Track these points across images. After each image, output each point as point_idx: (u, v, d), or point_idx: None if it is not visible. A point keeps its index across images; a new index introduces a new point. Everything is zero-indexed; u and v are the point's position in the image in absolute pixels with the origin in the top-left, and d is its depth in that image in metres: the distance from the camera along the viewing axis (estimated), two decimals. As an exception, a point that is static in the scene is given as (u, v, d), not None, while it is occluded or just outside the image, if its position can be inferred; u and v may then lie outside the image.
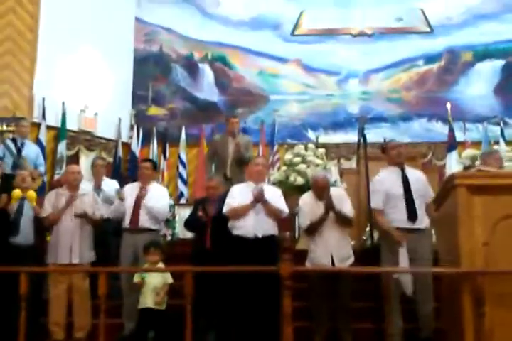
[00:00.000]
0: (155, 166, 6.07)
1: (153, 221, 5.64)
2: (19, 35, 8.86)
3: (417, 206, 4.96)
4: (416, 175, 5.14)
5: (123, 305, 5.44)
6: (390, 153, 5.18)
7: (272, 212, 5.23)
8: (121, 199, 5.65)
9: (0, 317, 5.21)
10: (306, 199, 5.30)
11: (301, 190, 6.46)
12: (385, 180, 5.08)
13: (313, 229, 5.11)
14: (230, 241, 5.29)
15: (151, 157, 9.84)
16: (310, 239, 5.19)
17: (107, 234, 5.99)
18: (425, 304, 4.85)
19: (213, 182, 5.79)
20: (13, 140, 7.32)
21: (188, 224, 5.79)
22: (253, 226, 5.15)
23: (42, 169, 7.37)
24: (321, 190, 5.20)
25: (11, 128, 7.91)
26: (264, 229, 5.16)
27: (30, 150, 7.34)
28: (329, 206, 5.05)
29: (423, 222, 4.96)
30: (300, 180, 7.23)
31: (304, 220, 5.20)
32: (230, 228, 5.26)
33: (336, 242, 5.06)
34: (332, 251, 5.02)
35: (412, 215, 4.93)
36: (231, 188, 5.50)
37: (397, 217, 4.96)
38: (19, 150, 7.18)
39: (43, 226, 5.58)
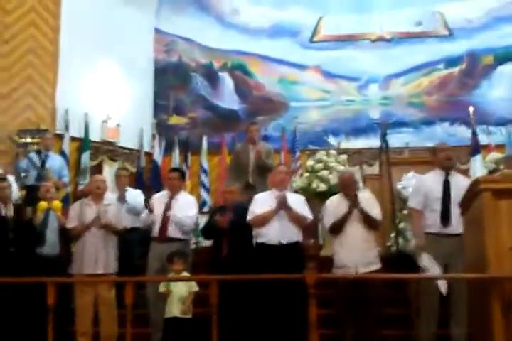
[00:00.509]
0: (183, 175, 6.09)
1: (181, 231, 5.66)
2: (41, 48, 8.97)
3: (453, 211, 4.90)
4: (461, 181, 5.04)
5: (150, 315, 5.45)
6: (439, 156, 5.14)
7: (296, 219, 5.23)
8: (151, 210, 5.66)
9: (29, 328, 5.27)
10: (333, 199, 5.31)
11: (324, 196, 6.45)
12: (427, 181, 5.10)
13: (336, 228, 5.07)
14: (249, 248, 5.31)
15: (173, 166, 9.87)
16: (335, 241, 5.15)
17: (132, 243, 6.02)
18: (459, 311, 4.79)
19: (231, 187, 5.79)
20: (38, 152, 7.41)
21: (205, 231, 5.80)
22: (277, 233, 5.15)
23: (66, 180, 7.45)
24: (346, 184, 5.22)
25: (35, 141, 8.04)
26: (289, 236, 5.16)
27: (54, 162, 7.41)
28: (354, 203, 5.04)
29: (459, 227, 4.84)
30: (322, 187, 7.23)
31: (328, 219, 5.18)
32: (254, 236, 5.27)
33: (360, 244, 5.02)
34: (356, 253, 4.99)
35: (446, 220, 4.92)
36: (255, 196, 5.51)
37: (432, 221, 4.98)
38: (43, 162, 7.26)
39: (69, 237, 5.62)
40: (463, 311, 4.74)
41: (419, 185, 5.06)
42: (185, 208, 5.69)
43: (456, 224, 4.86)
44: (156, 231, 5.61)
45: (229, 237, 5.38)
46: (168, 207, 5.66)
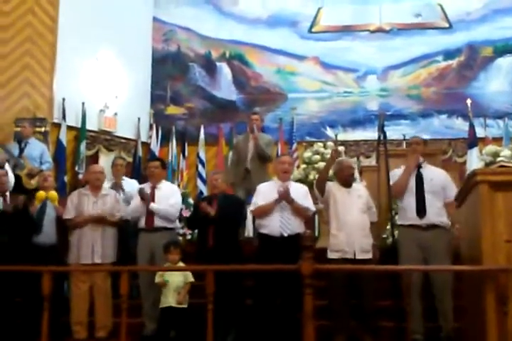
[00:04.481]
0: (163, 165, 6.07)
1: (166, 221, 5.65)
2: (38, 36, 8.91)
3: (428, 203, 5.04)
4: (434, 173, 5.21)
5: (143, 305, 5.45)
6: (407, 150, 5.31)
7: (298, 211, 5.22)
8: (144, 199, 5.65)
9: (23, 316, 5.28)
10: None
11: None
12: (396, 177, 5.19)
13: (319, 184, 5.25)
14: (235, 239, 5.36)
15: (170, 156, 9.88)
16: (332, 225, 5.18)
17: (128, 233, 6.01)
18: (444, 302, 4.85)
19: (217, 175, 5.75)
20: (19, 141, 7.39)
21: (190, 221, 5.78)
22: (279, 225, 5.16)
23: (47, 166, 7.30)
24: (346, 171, 5.30)
25: (36, 129, 8.02)
26: (291, 228, 5.16)
27: (34, 149, 7.34)
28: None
29: (435, 218, 5.01)
30: (320, 178, 7.20)
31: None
32: (256, 227, 5.30)
33: (358, 231, 5.07)
34: (354, 239, 5.04)
35: (421, 211, 5.03)
36: (257, 187, 5.51)
37: (408, 214, 5.07)
38: (21, 151, 7.21)
39: (66, 226, 5.62)
40: (448, 303, 4.82)
41: (394, 177, 5.16)
42: (169, 197, 5.69)
43: (433, 216, 4.96)
44: (142, 221, 5.60)
45: (215, 228, 5.33)
46: (151, 198, 5.65)
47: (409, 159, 5.26)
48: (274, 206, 5.19)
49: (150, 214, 5.58)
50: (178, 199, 5.89)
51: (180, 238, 6.96)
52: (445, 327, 4.84)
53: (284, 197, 5.15)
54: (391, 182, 5.08)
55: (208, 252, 5.24)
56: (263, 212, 5.23)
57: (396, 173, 5.21)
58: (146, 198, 5.61)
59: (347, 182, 5.30)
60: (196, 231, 6.09)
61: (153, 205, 5.58)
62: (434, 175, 5.20)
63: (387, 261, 4.89)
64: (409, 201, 5.09)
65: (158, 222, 5.59)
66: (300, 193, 5.29)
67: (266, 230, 5.21)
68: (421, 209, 5.02)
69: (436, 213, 5.03)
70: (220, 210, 5.37)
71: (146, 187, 5.78)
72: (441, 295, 4.88)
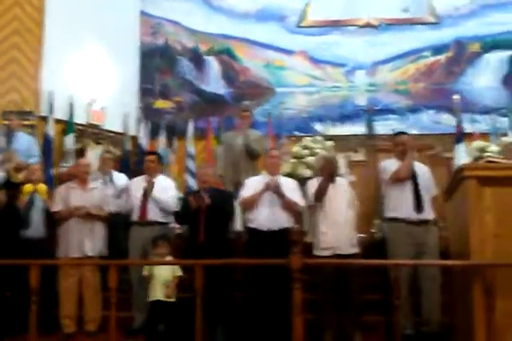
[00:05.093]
0: (160, 158, 6.06)
1: (162, 213, 5.64)
2: (25, 29, 8.84)
3: (423, 198, 5.03)
4: (422, 169, 5.20)
5: (133, 299, 5.45)
6: (396, 148, 5.28)
7: (288, 205, 5.22)
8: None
9: (11, 310, 5.26)
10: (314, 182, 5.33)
11: (310, 182, 6.44)
12: (392, 167, 5.15)
13: (319, 195, 5.08)
14: (224, 234, 5.34)
15: (159, 150, 9.83)
16: (320, 222, 5.13)
17: (117, 227, 6.00)
18: (431, 298, 4.87)
19: (206, 169, 5.74)
20: (7, 134, 7.33)
21: (179, 216, 5.76)
22: (267, 219, 5.15)
23: (34, 160, 7.12)
24: (330, 167, 5.23)
25: (24, 122, 7.97)
26: (279, 223, 5.16)
27: (21, 142, 7.23)
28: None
29: (429, 213, 5.03)
30: (308, 173, 7.22)
31: (309, 192, 5.20)
32: (245, 221, 5.30)
33: (346, 226, 5.07)
34: (343, 234, 5.03)
35: (419, 206, 5.01)
36: (245, 181, 5.51)
37: (404, 208, 5.03)
38: (9, 144, 7.16)
39: (54, 220, 5.59)
40: (436, 298, 4.83)
41: (384, 171, 5.14)
42: (164, 191, 5.68)
43: (427, 211, 4.98)
44: (135, 215, 5.59)
45: (205, 222, 5.31)
46: (146, 190, 5.63)
47: (407, 144, 5.21)
48: (260, 196, 5.18)
49: (143, 208, 5.57)
50: (174, 192, 5.91)
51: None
52: (430, 323, 4.87)
53: (276, 191, 5.15)
54: (383, 173, 5.06)
55: (198, 246, 5.22)
56: (249, 203, 5.23)
57: (389, 164, 5.17)
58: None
59: (331, 177, 5.28)
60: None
61: (155, 195, 5.56)
62: (424, 171, 5.21)
63: (376, 256, 4.90)
64: (404, 194, 5.06)
65: (152, 216, 5.58)
66: (289, 188, 5.30)
67: (254, 224, 5.22)
68: (419, 204, 5.01)
69: (428, 209, 5.04)
70: (209, 204, 5.35)
71: (142, 180, 5.78)
72: (429, 290, 4.89)
